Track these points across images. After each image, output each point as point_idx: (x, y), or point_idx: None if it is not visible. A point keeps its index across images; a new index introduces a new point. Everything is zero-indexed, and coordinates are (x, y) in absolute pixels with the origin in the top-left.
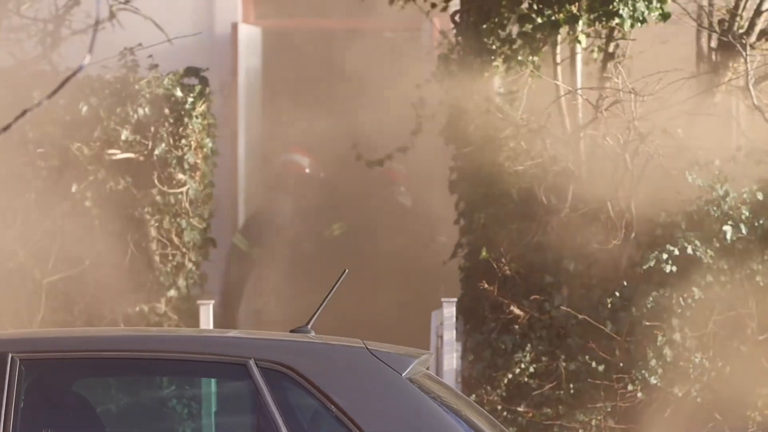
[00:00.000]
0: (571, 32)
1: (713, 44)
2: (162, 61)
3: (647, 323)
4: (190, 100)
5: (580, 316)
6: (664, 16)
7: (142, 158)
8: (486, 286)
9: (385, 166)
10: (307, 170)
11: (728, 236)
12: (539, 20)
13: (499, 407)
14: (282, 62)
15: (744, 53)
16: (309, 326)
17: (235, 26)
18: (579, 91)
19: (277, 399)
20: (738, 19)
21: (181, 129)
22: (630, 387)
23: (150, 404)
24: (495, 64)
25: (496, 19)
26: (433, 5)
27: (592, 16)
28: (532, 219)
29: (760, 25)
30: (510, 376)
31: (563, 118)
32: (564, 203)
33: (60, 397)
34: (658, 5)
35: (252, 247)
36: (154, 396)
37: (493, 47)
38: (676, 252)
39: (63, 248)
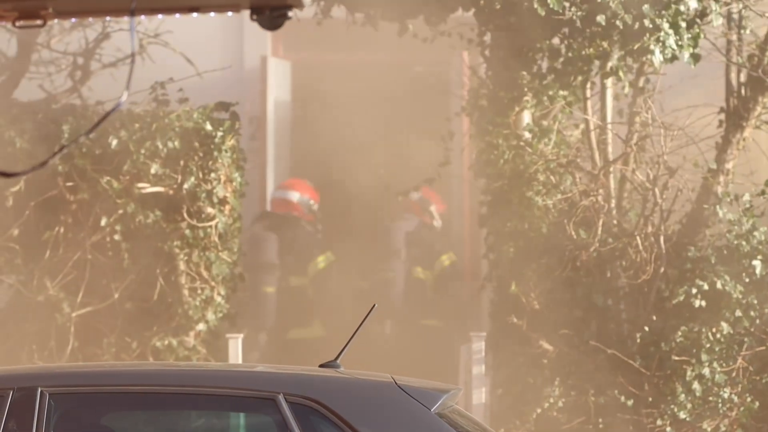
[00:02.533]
0: (602, 67)
1: (743, 79)
2: (192, 94)
3: (676, 358)
4: (219, 134)
5: (609, 351)
6: (695, 58)
7: (171, 192)
8: (515, 320)
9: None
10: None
11: (758, 271)
12: (569, 55)
13: None
14: (311, 95)
15: None
16: (338, 361)
17: (264, 60)
18: (609, 126)
19: None
20: None
21: (210, 163)
22: (659, 422)
23: None
24: (525, 99)
25: (527, 54)
26: (470, 40)
27: (623, 52)
28: (561, 253)
29: None
30: (539, 410)
31: (593, 152)
32: (593, 237)
33: (89, 431)
34: (689, 43)
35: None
36: (182, 430)
37: (523, 81)
38: (706, 287)
39: (92, 282)
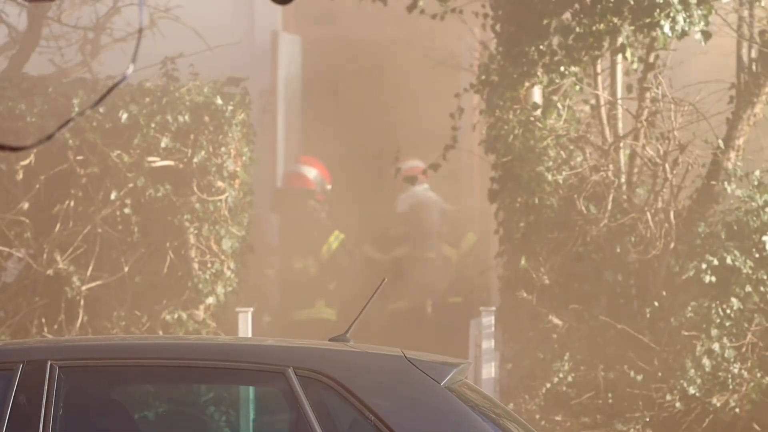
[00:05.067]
0: (612, 43)
1: (754, 55)
2: (202, 69)
3: (686, 333)
4: (230, 108)
5: (618, 326)
6: (705, 36)
7: (181, 166)
8: (525, 295)
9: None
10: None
11: (767, 246)
12: (580, 31)
13: (537, 416)
14: (321, 71)
15: None
16: (347, 335)
17: (275, 35)
18: (619, 102)
19: (315, 407)
20: None
21: (220, 137)
22: (668, 397)
23: (188, 412)
24: (534, 73)
25: (538, 30)
26: (485, 15)
27: (633, 27)
28: (571, 228)
29: None
30: (548, 385)
31: (603, 128)
32: (603, 213)
33: (98, 404)
34: (700, 20)
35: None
36: (192, 403)
37: (534, 57)
38: (716, 262)
39: (102, 255)
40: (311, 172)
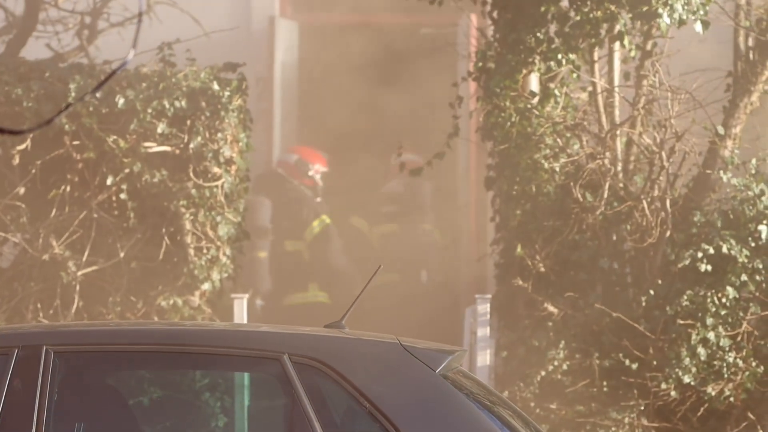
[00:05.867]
0: (610, 31)
1: (751, 43)
2: (199, 54)
3: (681, 322)
4: (226, 94)
5: (614, 314)
6: (704, 25)
7: (177, 151)
8: (520, 282)
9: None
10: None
11: (764, 235)
12: (577, 18)
13: (532, 404)
14: (318, 57)
15: None
16: (343, 321)
17: (272, 20)
18: (616, 89)
19: (311, 394)
20: None
21: (217, 123)
22: (663, 385)
23: (183, 398)
24: (532, 61)
25: (536, 17)
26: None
27: (631, 16)
28: (567, 216)
29: None
30: (543, 373)
31: (600, 115)
32: (599, 201)
33: (93, 389)
34: (698, 8)
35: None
36: (187, 389)
37: (532, 45)
38: (711, 251)
39: (98, 241)
40: (292, 158)
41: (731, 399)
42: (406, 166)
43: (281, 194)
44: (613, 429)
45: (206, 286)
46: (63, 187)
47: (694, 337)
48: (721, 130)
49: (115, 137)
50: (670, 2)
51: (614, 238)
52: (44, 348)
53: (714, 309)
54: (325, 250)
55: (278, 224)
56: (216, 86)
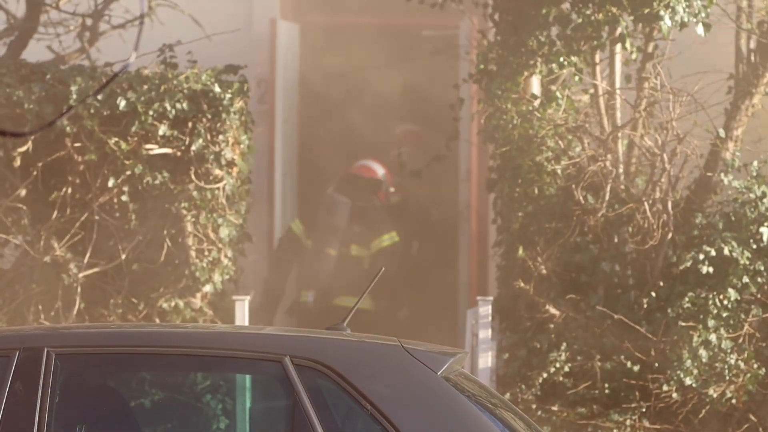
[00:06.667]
0: (611, 33)
1: (752, 45)
2: (200, 56)
3: (683, 324)
4: (228, 96)
5: (615, 316)
6: (706, 27)
7: (179, 153)
8: (522, 285)
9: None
10: (391, 189)
11: (765, 237)
12: (579, 20)
13: (534, 406)
14: (320, 59)
15: None
16: (345, 324)
17: (273, 22)
18: (618, 92)
19: (312, 396)
20: None
21: (218, 125)
22: (665, 387)
23: (184, 400)
24: (533, 63)
25: (537, 20)
26: (484, 4)
27: (632, 18)
28: (569, 219)
29: None
30: (545, 375)
31: (601, 117)
32: (601, 203)
33: (95, 391)
34: (700, 10)
35: (307, 237)
36: (188, 392)
37: (533, 47)
38: (713, 253)
39: (99, 242)
40: (380, 170)
41: (733, 401)
42: (407, 136)
43: (361, 199)
44: (615, 431)
45: (208, 288)
46: (64, 189)
47: (695, 339)
48: (722, 132)
49: (116, 139)
50: (671, 5)
51: (616, 240)
52: (45, 350)
53: (715, 311)
54: (385, 264)
55: (349, 227)
56: (217, 88)
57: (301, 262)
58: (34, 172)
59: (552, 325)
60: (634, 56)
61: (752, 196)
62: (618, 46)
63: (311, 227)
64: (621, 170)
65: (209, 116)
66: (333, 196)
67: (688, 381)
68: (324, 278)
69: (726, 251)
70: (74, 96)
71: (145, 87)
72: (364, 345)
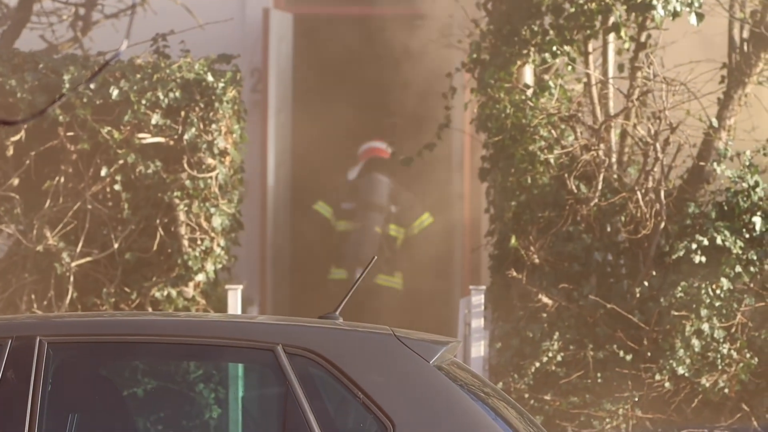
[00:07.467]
0: (604, 22)
1: (745, 35)
2: (193, 46)
3: (675, 313)
4: (221, 85)
5: (608, 306)
6: (699, 17)
7: (172, 143)
8: (515, 274)
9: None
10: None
11: (758, 227)
12: (572, 10)
13: (526, 395)
14: (313, 48)
15: None
16: (337, 312)
17: (266, 12)
18: (611, 81)
19: (305, 385)
20: None
21: (211, 114)
22: (657, 377)
23: (177, 389)
24: (526, 52)
25: (529, 9)
26: None
27: (625, 7)
28: (561, 208)
29: None
30: (537, 364)
31: (594, 107)
32: (594, 192)
33: (87, 380)
34: (692, 1)
35: (337, 219)
36: (181, 380)
37: (526, 37)
38: (706, 242)
39: (92, 232)
40: (389, 148)
41: (725, 390)
42: (366, 154)
43: (396, 179)
44: (608, 420)
45: (200, 277)
46: (57, 178)
47: (688, 328)
48: (715, 121)
49: (109, 128)
50: None
51: (608, 229)
52: (38, 339)
53: (708, 300)
54: (419, 244)
55: (388, 206)
56: (210, 77)
57: (346, 241)
58: (27, 161)
59: (545, 315)
60: (627, 46)
61: (745, 185)
62: (611, 36)
63: (357, 205)
64: (614, 159)
65: (202, 105)
66: (375, 176)
67: (680, 370)
68: (369, 253)
69: (719, 240)
70: (67, 85)
71: (138, 76)
72: (357, 334)
